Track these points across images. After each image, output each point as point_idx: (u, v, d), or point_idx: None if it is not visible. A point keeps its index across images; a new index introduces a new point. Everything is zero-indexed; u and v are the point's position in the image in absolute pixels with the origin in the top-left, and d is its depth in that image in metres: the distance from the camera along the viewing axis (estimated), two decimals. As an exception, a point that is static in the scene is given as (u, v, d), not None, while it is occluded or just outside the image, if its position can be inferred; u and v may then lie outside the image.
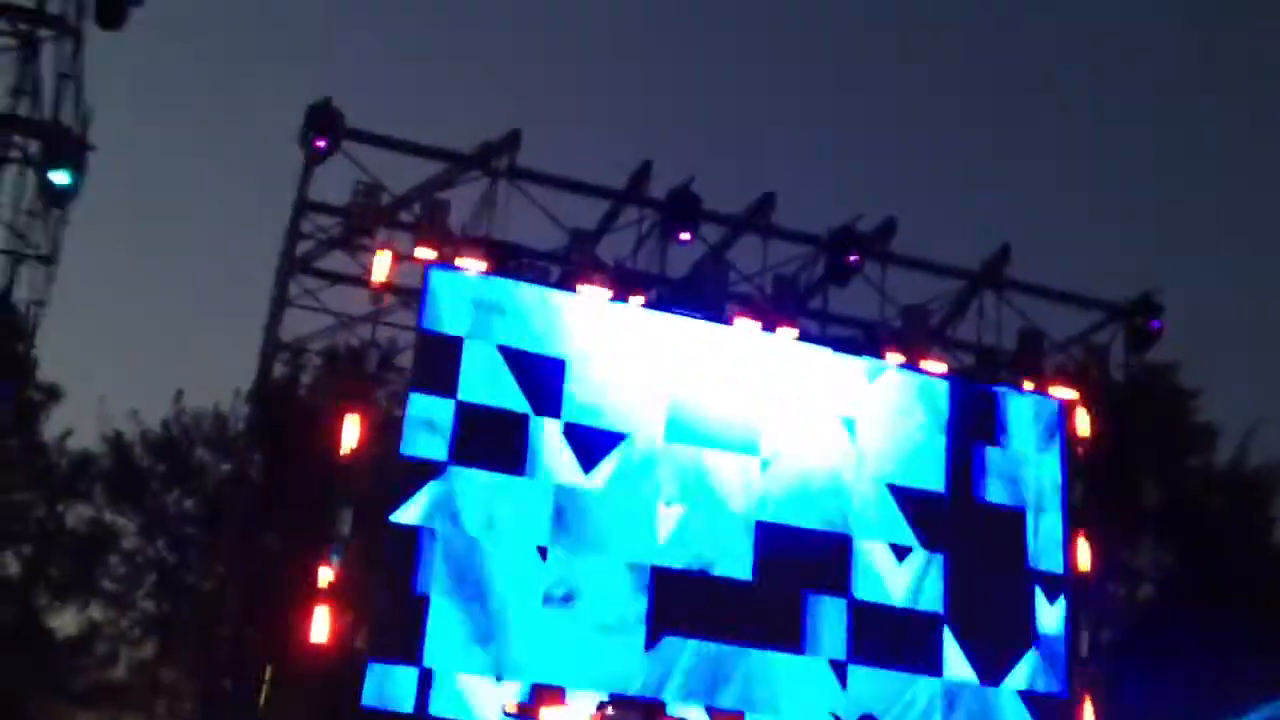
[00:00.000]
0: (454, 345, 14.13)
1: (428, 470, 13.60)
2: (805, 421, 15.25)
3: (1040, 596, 15.59)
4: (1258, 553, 19.60)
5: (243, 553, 14.77)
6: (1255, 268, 45.70)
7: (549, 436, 14.14)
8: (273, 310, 15.19)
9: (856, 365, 15.80)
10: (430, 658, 13.02)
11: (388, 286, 14.64)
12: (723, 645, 14.08)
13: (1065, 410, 16.56)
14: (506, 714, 12.26)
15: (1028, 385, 16.54)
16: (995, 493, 15.87)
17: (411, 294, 14.72)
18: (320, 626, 12.74)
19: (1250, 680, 16.63)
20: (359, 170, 15.31)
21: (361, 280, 15.22)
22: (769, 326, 15.52)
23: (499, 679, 13.15)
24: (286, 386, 18.88)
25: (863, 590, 14.85)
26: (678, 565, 14.25)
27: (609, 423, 14.44)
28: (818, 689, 14.15)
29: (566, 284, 14.98)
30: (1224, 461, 20.82)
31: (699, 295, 15.97)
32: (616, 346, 14.77)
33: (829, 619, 14.59)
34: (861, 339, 16.61)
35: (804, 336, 15.84)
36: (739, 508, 14.66)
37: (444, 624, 13.19)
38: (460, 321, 14.23)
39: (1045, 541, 15.91)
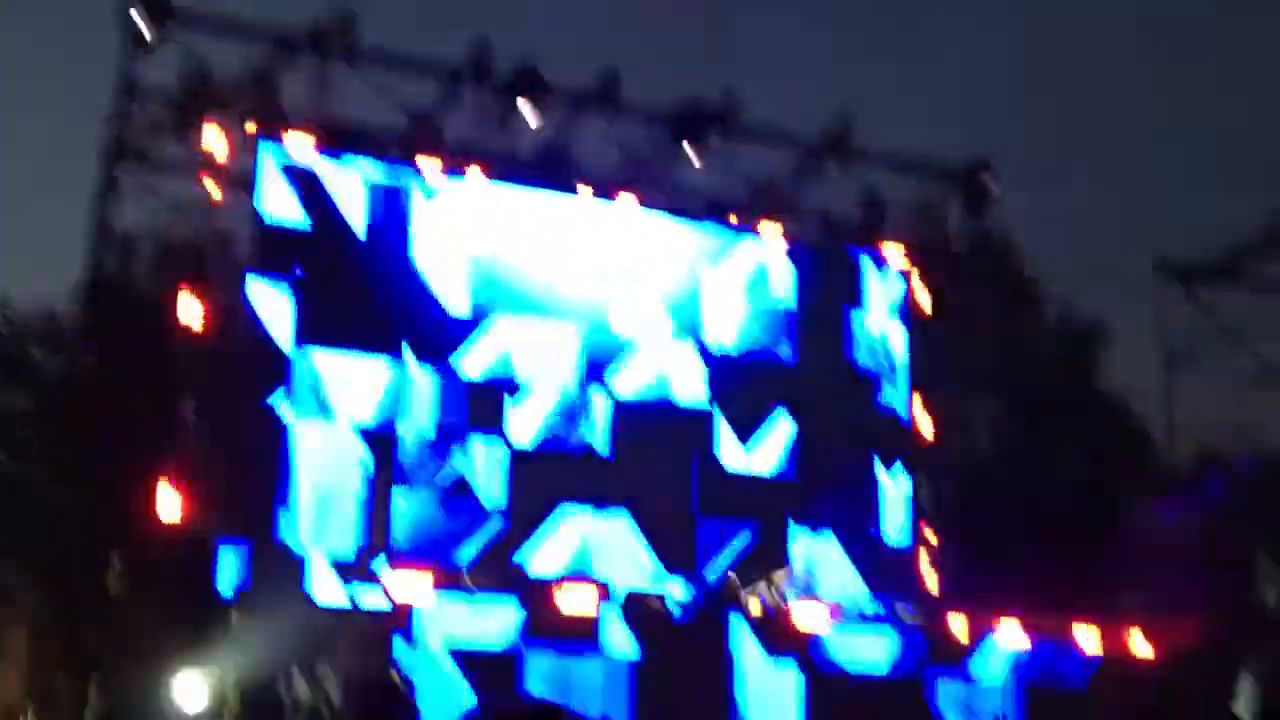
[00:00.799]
0: (291, 228, 13.83)
1: (273, 352, 13.39)
2: (653, 292, 15.37)
3: (885, 455, 16.10)
4: (1085, 396, 20.46)
5: (80, 445, 14.46)
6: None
7: (400, 318, 14.00)
8: (99, 200, 14.66)
9: (703, 234, 15.93)
10: (286, 537, 12.96)
11: (220, 168, 14.20)
12: (578, 505, 14.23)
13: (907, 274, 16.98)
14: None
15: (871, 250, 16.89)
16: (840, 357, 16.25)
17: (246, 181, 14.34)
18: (167, 506, 12.55)
19: (1078, 525, 17.56)
20: (186, 53, 14.77)
21: (194, 167, 14.77)
22: (614, 196, 15.50)
23: (359, 558, 13.15)
24: (121, 279, 18.33)
25: (716, 452, 15.14)
26: (543, 445, 14.32)
27: (455, 302, 14.36)
28: (671, 547, 14.45)
29: (406, 159, 14.74)
30: (1055, 313, 21.59)
31: (544, 171, 15.86)
32: (459, 220, 14.63)
33: (682, 479, 14.85)
34: (708, 209, 16.72)
35: (648, 204, 15.88)
36: (598, 383, 14.76)
37: (298, 504, 13.11)
38: (296, 203, 13.92)
39: (890, 403, 16.40)
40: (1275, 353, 21.63)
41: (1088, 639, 13.01)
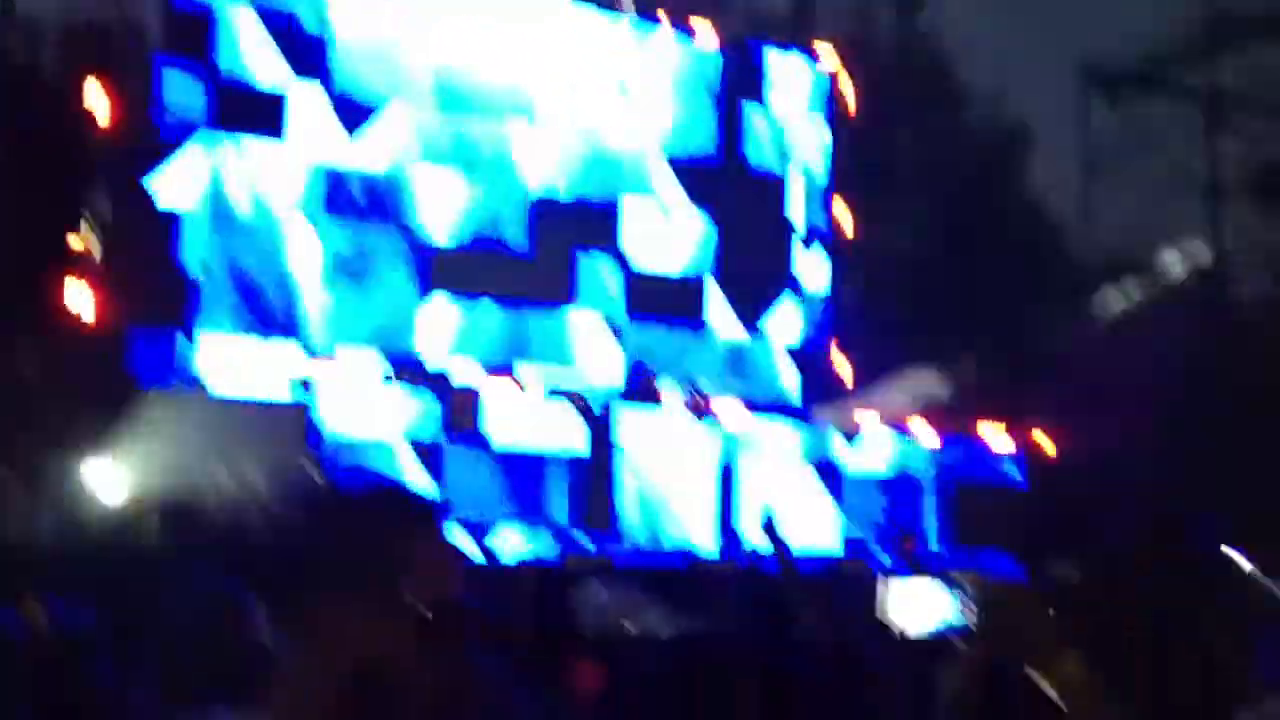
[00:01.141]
0: (204, 11, 13.33)
1: (184, 138, 13.04)
2: (577, 85, 15.09)
3: (801, 255, 16.16)
4: (1007, 199, 20.61)
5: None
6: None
7: (311, 103, 13.66)
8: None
9: (626, 26, 15.59)
10: (200, 325, 12.84)
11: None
12: (499, 302, 14.24)
13: (832, 71, 16.80)
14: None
15: (796, 46, 16.65)
16: (763, 155, 16.16)
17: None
18: (76, 296, 12.35)
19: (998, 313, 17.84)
20: None
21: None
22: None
23: (266, 336, 13.07)
24: (24, 65, 17.63)
25: (633, 251, 15.13)
26: (454, 237, 14.20)
27: (374, 89, 14.01)
28: (592, 344, 14.54)
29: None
30: (978, 117, 21.53)
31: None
32: (379, 8, 14.18)
33: (602, 279, 14.88)
34: (636, 2, 16.33)
35: (575, -2, 15.48)
36: (513, 176, 14.59)
37: (213, 292, 12.96)
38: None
39: (810, 201, 16.40)
40: (1193, 161, 21.91)
41: (996, 437, 13.36)
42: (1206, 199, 21.54)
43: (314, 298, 13.36)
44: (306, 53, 13.68)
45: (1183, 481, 13.99)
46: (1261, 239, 21.59)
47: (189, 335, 12.75)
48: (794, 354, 15.83)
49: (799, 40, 16.78)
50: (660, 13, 15.82)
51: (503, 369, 13.69)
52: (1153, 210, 21.63)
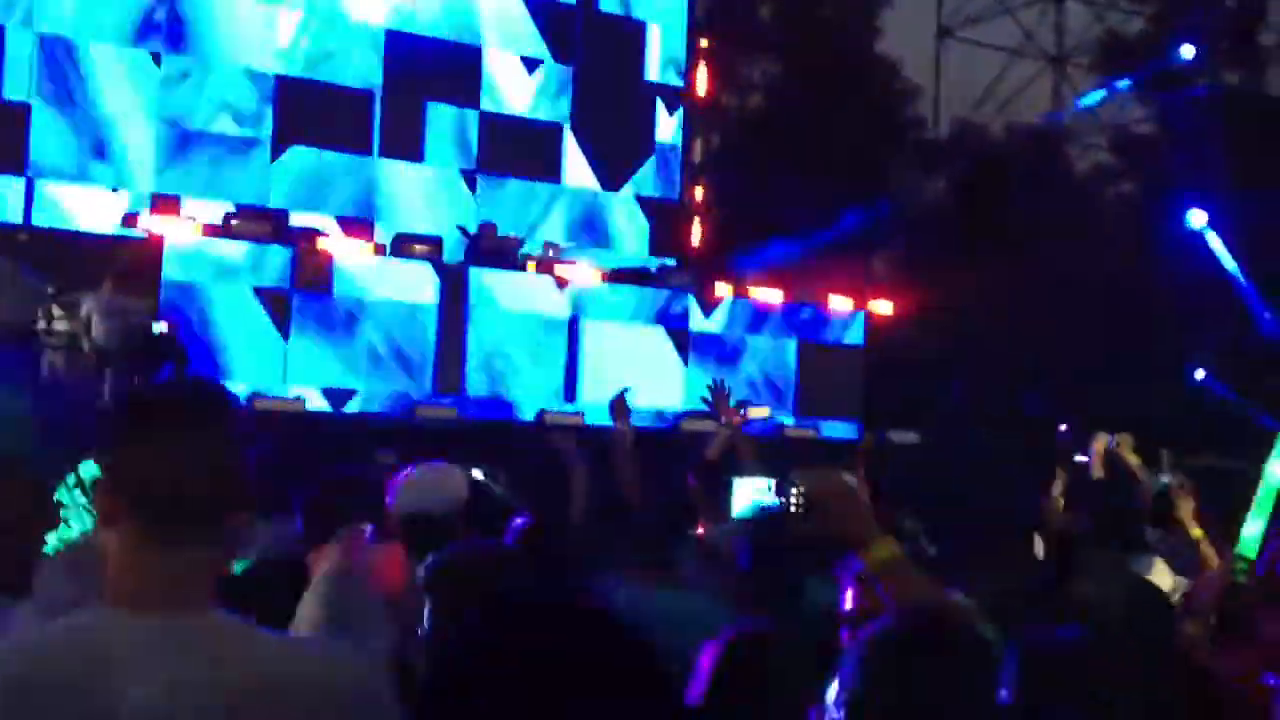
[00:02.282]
0: None
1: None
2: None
3: (660, 108, 16.13)
4: (861, 59, 20.79)
5: None
6: None
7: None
8: None
9: None
10: (36, 168, 12.35)
11: None
12: (350, 155, 13.97)
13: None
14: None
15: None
16: (618, 4, 15.93)
17: None
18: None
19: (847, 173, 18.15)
20: None
21: None
22: None
23: (115, 189, 12.66)
24: None
25: (490, 102, 14.91)
26: (301, 74, 13.79)
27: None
28: (445, 197, 14.39)
29: None
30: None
31: None
32: None
33: (456, 129, 14.66)
34: None
35: None
36: (364, 14, 14.16)
37: (48, 133, 12.44)
38: None
39: (667, 55, 16.29)
40: (1038, 25, 22.36)
41: (837, 302, 13.70)
42: (1052, 64, 22.11)
43: (153, 141, 12.91)
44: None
45: (1012, 350, 14.68)
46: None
47: (27, 178, 12.24)
48: (650, 211, 15.89)
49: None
50: None
51: (354, 221, 13.50)
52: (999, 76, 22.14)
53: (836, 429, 13.13)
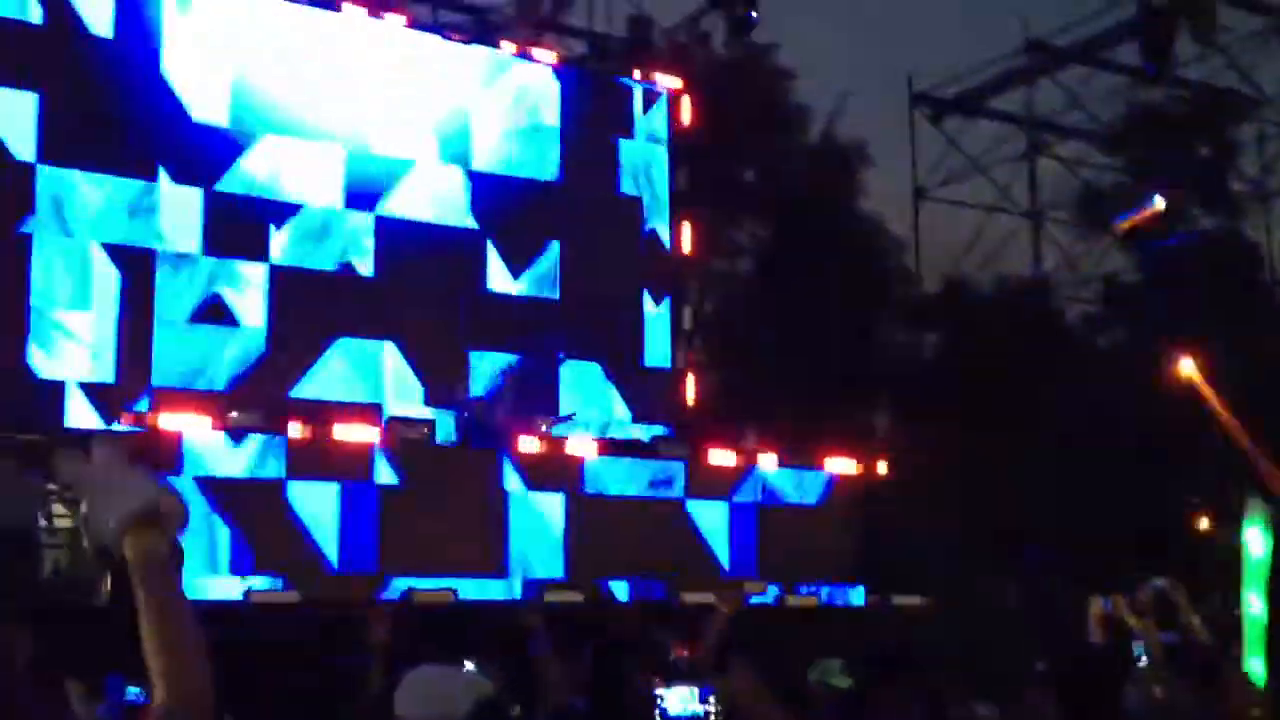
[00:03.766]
0: (21, 21, 12.92)
1: (29, 171, 12.68)
2: (420, 113, 15.07)
3: (647, 276, 16.41)
4: (845, 219, 21.17)
5: None
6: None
7: (175, 136, 13.40)
8: None
9: (470, 54, 15.63)
10: (42, 366, 12.54)
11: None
12: (351, 340, 14.18)
13: (671, 96, 17.06)
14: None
15: (636, 73, 16.88)
16: (607, 180, 16.33)
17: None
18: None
19: (839, 333, 18.34)
20: None
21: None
22: (377, 13, 15.00)
23: (119, 383, 12.83)
24: None
25: (484, 281, 15.18)
26: (302, 265, 14.08)
27: (210, 116, 13.80)
28: (444, 374, 14.55)
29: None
30: (815, 137, 22.07)
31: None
32: (216, 33, 13.95)
33: (454, 310, 14.88)
34: (473, 26, 16.42)
35: (415, 25, 15.45)
36: (362, 206, 14.52)
37: (55, 328, 12.65)
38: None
39: (653, 224, 16.63)
40: (1013, 181, 22.86)
41: (836, 464, 13.70)
42: (1029, 218, 22.53)
43: (158, 334, 13.14)
44: (147, 81, 13.41)
45: (1010, 504, 14.67)
46: (1079, 257, 22.61)
47: (28, 372, 12.43)
48: (642, 381, 16.06)
49: (637, 64, 17.01)
50: (503, 42, 15.91)
51: (354, 407, 13.63)
52: (977, 230, 22.55)
53: (838, 594, 13.04)
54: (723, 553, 12.80)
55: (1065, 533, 14.37)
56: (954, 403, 17.82)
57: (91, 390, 12.71)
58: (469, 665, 5.89)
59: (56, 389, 12.61)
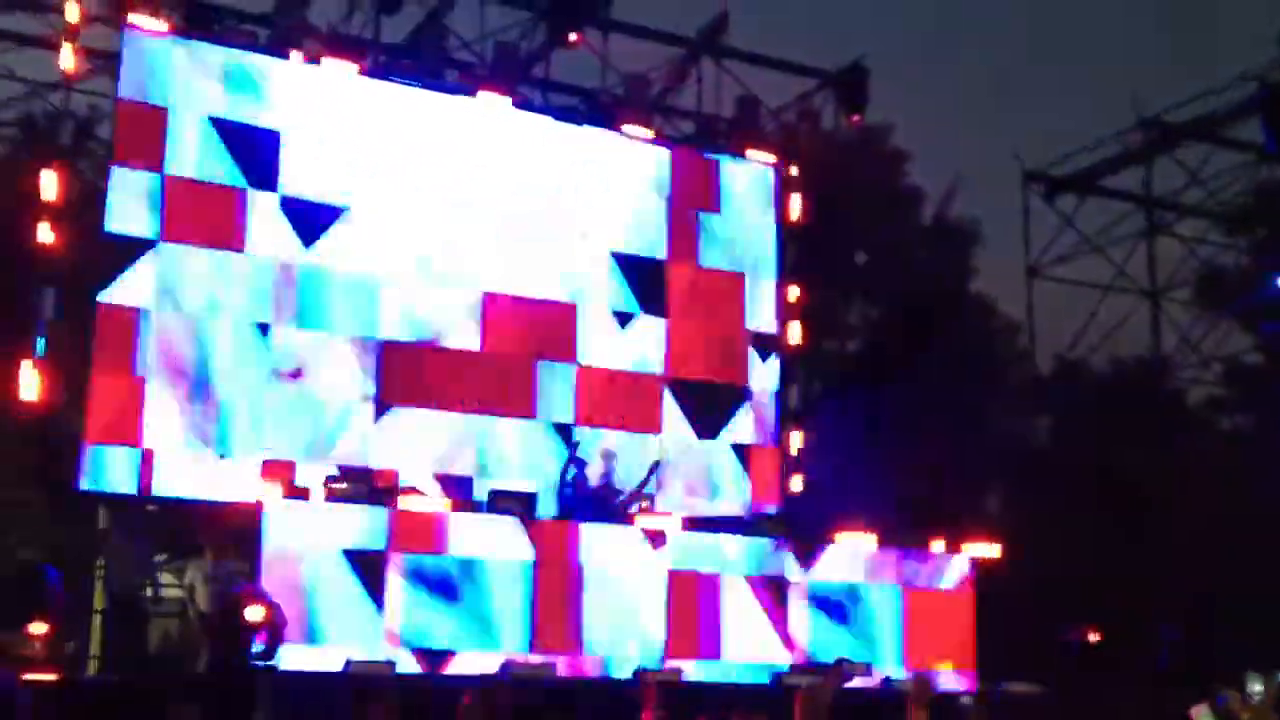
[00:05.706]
0: (159, 115, 13.39)
1: (136, 248, 13.05)
2: (528, 192, 15.24)
3: (754, 356, 16.31)
4: (957, 299, 20.88)
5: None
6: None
7: (265, 211, 13.73)
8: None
9: (577, 134, 15.79)
10: (150, 439, 12.77)
11: (78, 43, 13.54)
12: (452, 414, 14.28)
13: (780, 175, 17.04)
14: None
15: (745, 152, 16.89)
16: (714, 258, 16.32)
17: (109, 58, 13.81)
18: (29, 391, 12.32)
19: (945, 414, 18.00)
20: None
21: (49, 42, 14.19)
22: (478, 93, 15.23)
23: (222, 456, 13.03)
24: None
25: (588, 356, 15.22)
26: (405, 338, 14.27)
27: (327, 196, 14.10)
28: (548, 451, 14.53)
29: (276, 49, 14.31)
30: (928, 218, 21.88)
31: (416, 62, 15.58)
32: (332, 116, 14.31)
33: (557, 385, 14.94)
34: (582, 107, 16.61)
35: (523, 105, 15.67)
36: (463, 278, 14.68)
37: (163, 405, 12.91)
38: (164, 90, 13.45)
39: (760, 303, 16.55)
40: (1130, 259, 22.35)
41: (950, 550, 13.40)
42: (1145, 300, 21.97)
43: (260, 405, 13.35)
44: (259, 161, 13.75)
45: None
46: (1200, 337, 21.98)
47: (142, 449, 12.66)
48: (746, 460, 15.92)
49: (747, 143, 17.02)
50: (612, 121, 16.05)
51: (455, 481, 13.70)
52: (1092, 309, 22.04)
53: (948, 680, 12.67)
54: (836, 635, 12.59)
55: (1196, 615, 13.82)
56: (1065, 488, 17.33)
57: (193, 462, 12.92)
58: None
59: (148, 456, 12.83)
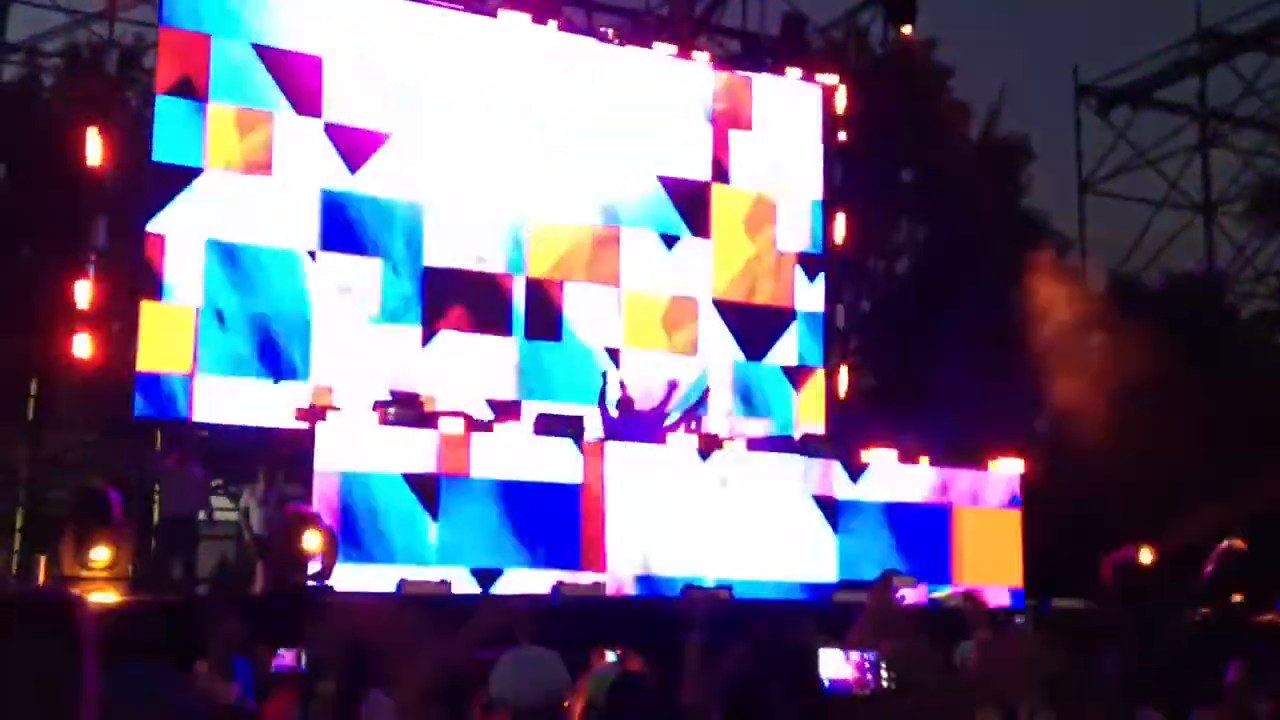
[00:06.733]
0: (202, 42, 13.40)
1: (182, 176, 13.12)
2: (572, 114, 15.16)
3: (800, 275, 16.23)
4: (1005, 218, 20.62)
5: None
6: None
7: (310, 137, 13.75)
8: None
9: (622, 55, 15.67)
10: (201, 365, 12.92)
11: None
12: (498, 338, 14.35)
13: (826, 93, 16.84)
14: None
15: (791, 70, 16.70)
16: (758, 179, 16.20)
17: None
18: (82, 346, 12.46)
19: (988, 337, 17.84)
20: None
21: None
22: (537, 19, 15.13)
23: (276, 380, 13.16)
24: (24, 92, 17.73)
25: (632, 280, 15.21)
26: (450, 264, 14.30)
27: (371, 122, 14.10)
28: (591, 375, 14.59)
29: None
30: (975, 135, 21.56)
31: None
32: (374, 41, 14.26)
33: (601, 309, 14.96)
34: (626, 28, 16.45)
35: (567, 28, 15.55)
36: (506, 203, 14.67)
37: (213, 332, 13.04)
38: (206, 17, 13.45)
39: (807, 224, 16.44)
40: (1184, 173, 21.97)
41: (1000, 468, 13.39)
42: (1199, 214, 21.64)
43: (309, 332, 13.45)
44: (303, 87, 13.74)
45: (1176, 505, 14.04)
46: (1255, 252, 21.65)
47: (192, 376, 12.81)
48: (795, 381, 15.91)
49: (794, 61, 16.82)
50: (655, 42, 15.90)
51: (503, 405, 13.78)
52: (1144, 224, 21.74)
53: (998, 597, 12.69)
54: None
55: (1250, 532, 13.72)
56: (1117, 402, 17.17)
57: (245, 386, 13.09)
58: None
59: (198, 382, 13.00)
